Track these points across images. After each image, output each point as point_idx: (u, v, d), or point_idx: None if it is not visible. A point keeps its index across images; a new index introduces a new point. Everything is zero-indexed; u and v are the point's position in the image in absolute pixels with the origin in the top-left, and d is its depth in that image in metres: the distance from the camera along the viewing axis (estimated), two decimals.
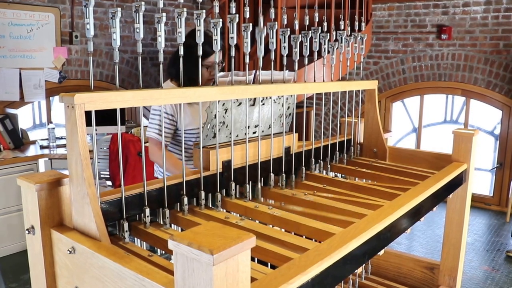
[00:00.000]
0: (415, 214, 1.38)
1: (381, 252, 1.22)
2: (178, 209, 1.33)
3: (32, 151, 4.39)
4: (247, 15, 1.44)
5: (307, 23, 1.72)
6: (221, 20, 1.28)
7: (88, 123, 1.00)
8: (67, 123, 1.00)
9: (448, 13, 5.58)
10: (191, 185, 1.35)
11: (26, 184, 1.05)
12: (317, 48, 1.69)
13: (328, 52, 1.75)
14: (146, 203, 1.20)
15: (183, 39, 1.21)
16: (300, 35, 1.59)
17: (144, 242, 1.27)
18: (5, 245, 4.02)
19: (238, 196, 1.48)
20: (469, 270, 3.98)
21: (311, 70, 1.70)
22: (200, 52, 1.27)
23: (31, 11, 4.62)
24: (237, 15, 1.33)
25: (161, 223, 1.26)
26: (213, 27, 1.28)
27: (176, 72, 2.29)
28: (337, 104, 1.90)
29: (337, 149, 1.95)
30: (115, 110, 1.08)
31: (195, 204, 1.39)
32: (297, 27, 1.59)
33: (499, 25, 5.28)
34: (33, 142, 4.74)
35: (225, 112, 1.47)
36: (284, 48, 1.54)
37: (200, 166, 1.37)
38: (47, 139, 4.69)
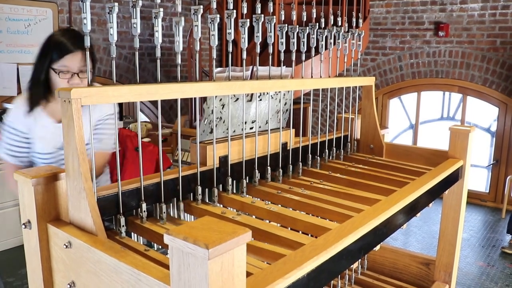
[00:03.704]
0: (411, 210, 1.38)
1: (377, 248, 1.22)
2: (175, 204, 1.34)
3: None
4: (245, 11, 1.44)
5: (305, 19, 1.72)
6: (218, 15, 1.28)
7: None
8: (63, 118, 1.00)
9: (446, 10, 5.58)
10: (188, 180, 1.36)
11: (22, 178, 1.05)
12: (315, 44, 1.69)
13: (326, 48, 1.76)
14: (143, 198, 1.20)
15: (180, 36, 1.21)
16: (296, 29, 1.59)
17: (141, 237, 1.27)
18: (2, 240, 4.02)
19: (234, 191, 1.48)
20: (464, 266, 4.00)
21: (309, 66, 1.69)
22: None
23: (29, 6, 4.60)
24: (235, 11, 1.33)
25: (158, 218, 1.27)
26: (210, 22, 1.28)
27: (32, 85, 1.86)
28: (334, 101, 1.91)
29: (334, 145, 1.95)
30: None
31: (191, 200, 1.39)
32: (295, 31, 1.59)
33: (496, 23, 5.29)
34: None
35: (222, 108, 1.47)
36: (282, 44, 1.54)
37: (197, 161, 1.37)
38: None
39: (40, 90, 1.83)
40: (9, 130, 1.88)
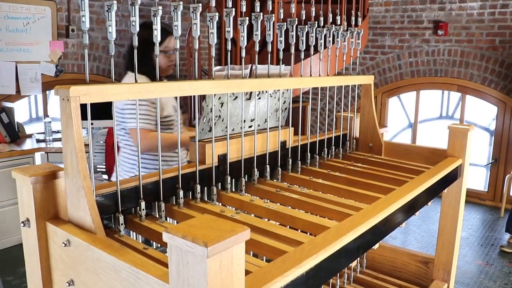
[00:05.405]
0: (410, 208, 1.39)
1: (376, 246, 1.22)
2: (174, 203, 1.34)
3: (28, 144, 4.38)
4: (244, 9, 1.44)
5: (304, 18, 1.72)
6: (217, 14, 1.27)
7: (84, 117, 1.00)
8: (62, 116, 0.99)
9: (445, 9, 5.58)
10: (187, 178, 1.36)
11: (21, 176, 1.05)
12: (314, 43, 1.69)
13: (325, 47, 1.75)
14: (142, 196, 1.20)
15: (179, 33, 1.21)
16: (295, 22, 1.59)
17: (140, 235, 1.27)
18: (1, 239, 4.02)
19: (233, 190, 1.48)
20: (463, 264, 4.01)
21: (308, 64, 1.70)
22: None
23: (27, 4, 4.59)
24: (234, 9, 1.33)
25: (157, 216, 1.27)
26: (209, 20, 1.28)
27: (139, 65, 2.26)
28: (333, 99, 1.91)
29: (333, 144, 1.95)
30: (111, 103, 1.08)
31: (190, 198, 1.39)
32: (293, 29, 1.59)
33: (495, 22, 5.29)
34: (29, 136, 4.73)
35: (221, 106, 1.47)
36: (281, 43, 1.54)
37: (196, 159, 1.37)
38: (43, 132, 4.68)
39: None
40: (148, 104, 2.26)
